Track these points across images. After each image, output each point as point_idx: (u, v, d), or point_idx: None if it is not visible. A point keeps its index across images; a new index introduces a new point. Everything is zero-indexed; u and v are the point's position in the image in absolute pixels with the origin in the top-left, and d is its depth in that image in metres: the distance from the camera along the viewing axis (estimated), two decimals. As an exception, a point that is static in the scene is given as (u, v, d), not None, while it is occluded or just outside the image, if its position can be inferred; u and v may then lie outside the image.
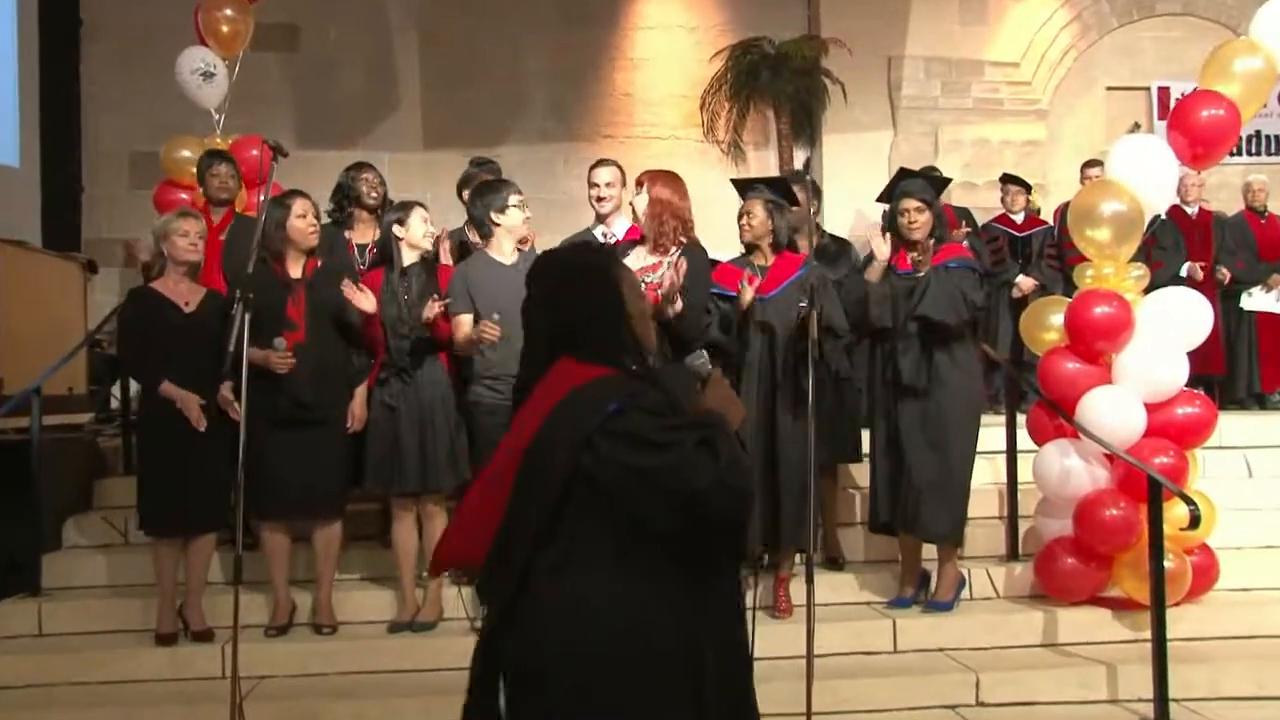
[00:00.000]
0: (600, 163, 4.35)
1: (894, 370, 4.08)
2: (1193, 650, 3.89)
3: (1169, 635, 3.57)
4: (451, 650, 3.64)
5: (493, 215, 3.98)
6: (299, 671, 3.81)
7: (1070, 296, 4.47)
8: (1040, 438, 4.38)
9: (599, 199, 4.27)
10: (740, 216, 4.17)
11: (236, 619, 3.33)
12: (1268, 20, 4.27)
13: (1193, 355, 4.25)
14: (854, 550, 4.57)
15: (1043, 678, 3.78)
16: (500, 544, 1.71)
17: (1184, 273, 6.41)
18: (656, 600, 1.66)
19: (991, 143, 7.97)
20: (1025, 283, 6.48)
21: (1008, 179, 6.84)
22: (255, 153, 5.08)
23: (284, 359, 3.75)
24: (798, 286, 3.91)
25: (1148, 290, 4.39)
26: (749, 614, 3.88)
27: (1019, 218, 6.72)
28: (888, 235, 4.12)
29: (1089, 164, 6.61)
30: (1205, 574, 4.21)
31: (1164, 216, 6.04)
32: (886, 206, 4.29)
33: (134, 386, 4.71)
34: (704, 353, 2.01)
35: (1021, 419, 4.57)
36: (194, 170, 5.20)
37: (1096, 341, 4.19)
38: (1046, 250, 6.56)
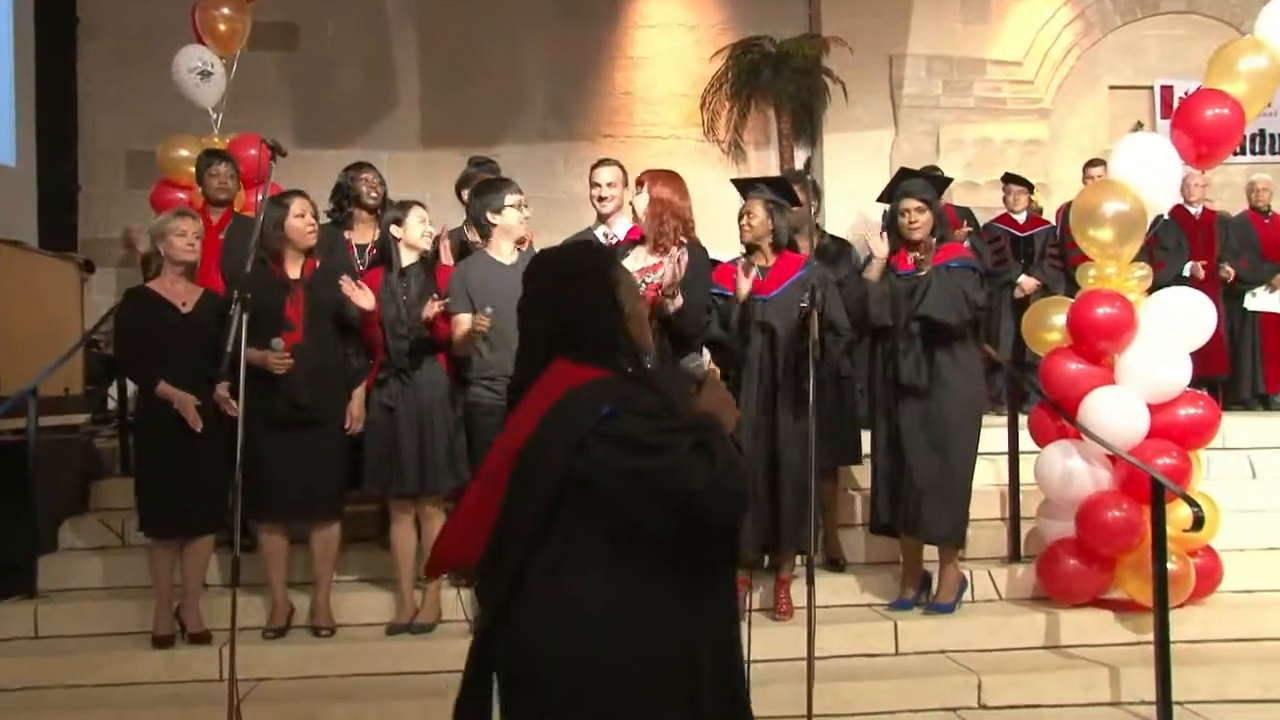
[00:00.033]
0: (602, 162, 4.33)
1: (895, 370, 4.07)
2: (1196, 653, 3.88)
3: (1172, 637, 3.55)
4: (450, 652, 3.60)
5: (489, 215, 3.97)
6: (297, 674, 3.80)
7: (1072, 297, 4.46)
8: (1042, 439, 4.36)
9: (600, 199, 4.25)
10: (740, 216, 4.16)
11: (234, 621, 3.31)
12: (1273, 19, 4.26)
13: (1195, 356, 4.24)
14: (855, 552, 4.55)
15: (1045, 680, 3.77)
16: (494, 545, 1.70)
17: (1186, 272, 6.39)
18: (651, 603, 1.65)
19: (994, 142, 7.95)
20: (1027, 283, 6.47)
21: (1010, 178, 6.82)
22: (253, 152, 5.05)
23: (281, 359, 3.73)
24: (798, 286, 3.90)
25: (1150, 290, 4.37)
26: (744, 617, 3.91)
27: (1021, 217, 6.70)
28: (885, 234, 4.10)
29: (1092, 163, 6.59)
30: (1209, 576, 4.19)
31: (1167, 216, 6.02)
32: (887, 206, 4.28)
33: (131, 387, 4.69)
34: (699, 355, 1.99)
35: (1023, 420, 4.56)
36: (191, 170, 5.18)
37: (1099, 342, 4.18)
38: (1049, 250, 6.55)
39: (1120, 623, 4.04)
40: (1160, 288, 4.49)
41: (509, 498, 1.68)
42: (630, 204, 4.14)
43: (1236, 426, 5.20)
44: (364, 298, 3.84)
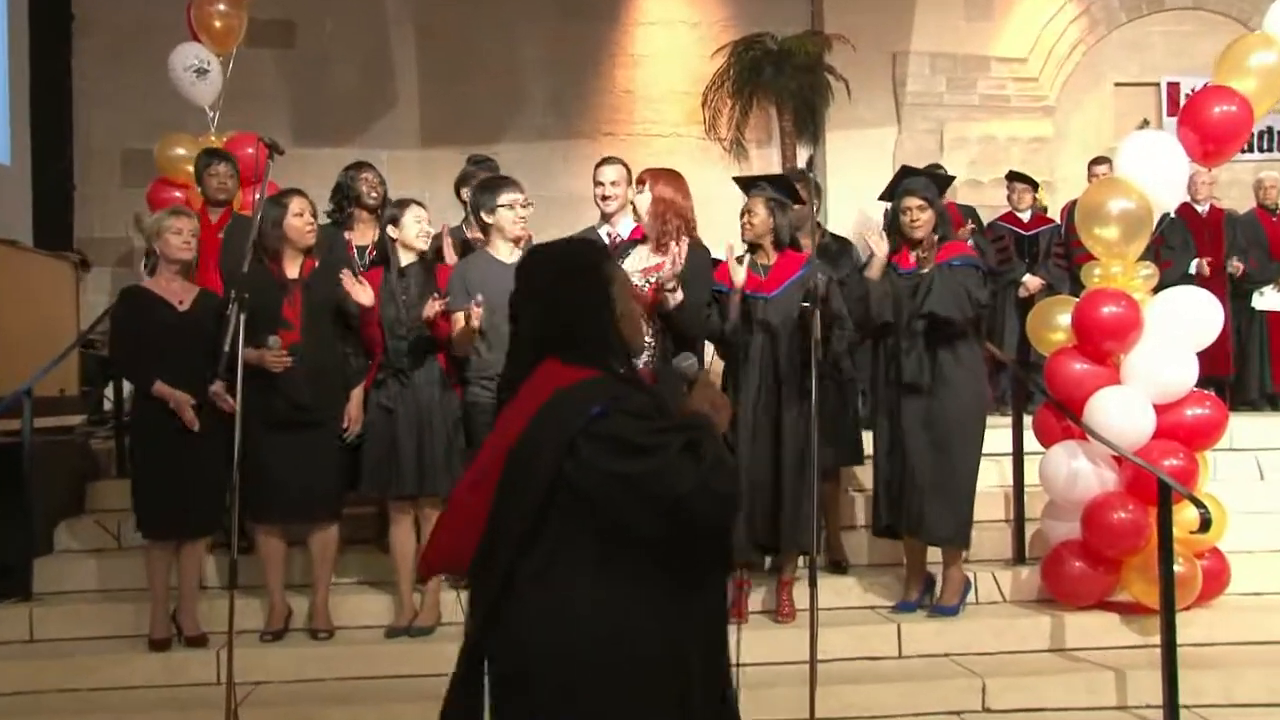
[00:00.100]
0: (606, 160, 4.30)
1: (897, 370, 4.05)
2: (1204, 656, 3.86)
3: (1179, 640, 3.53)
4: (449, 655, 3.48)
5: (483, 215, 3.95)
6: (295, 677, 3.77)
7: (1078, 296, 4.43)
8: (1047, 439, 4.33)
9: (604, 197, 4.22)
10: (742, 215, 4.13)
11: (231, 624, 3.29)
12: (1282, 15, 4.22)
13: (1200, 356, 4.21)
14: (858, 554, 4.53)
15: (1050, 683, 3.75)
16: (485, 546, 1.68)
17: (1192, 270, 6.35)
18: (641, 606, 1.64)
19: (998, 140, 7.91)
20: (1032, 282, 6.44)
21: (1014, 176, 6.79)
22: (250, 151, 5.01)
23: (278, 357, 3.71)
24: (799, 285, 3.88)
25: (1156, 289, 4.35)
26: (745, 618, 3.89)
27: (1025, 216, 6.68)
28: (885, 233, 4.08)
29: (1097, 161, 6.58)
30: (1216, 578, 4.17)
31: (1173, 215, 5.98)
32: (889, 205, 4.25)
33: (127, 387, 4.67)
34: (690, 354, 1.97)
35: (1028, 420, 4.53)
36: (188, 168, 5.16)
37: (1104, 342, 4.15)
38: (1054, 249, 6.52)
39: (1126, 625, 4.02)
40: (1166, 287, 4.46)
41: (499, 498, 1.67)
42: (632, 203, 4.11)
43: (1244, 427, 5.16)
44: (363, 293, 3.82)
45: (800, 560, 4.06)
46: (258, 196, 3.67)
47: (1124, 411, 4.02)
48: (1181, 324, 4.16)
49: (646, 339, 3.79)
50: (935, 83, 7.92)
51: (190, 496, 3.81)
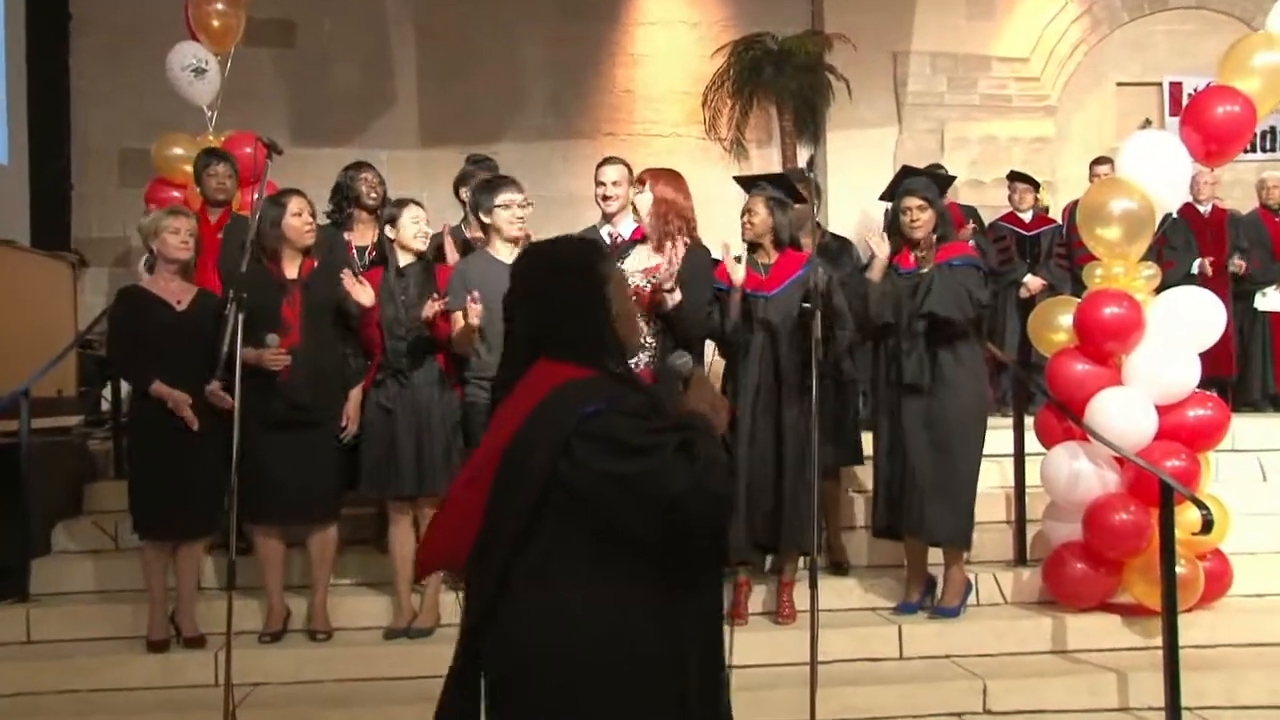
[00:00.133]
0: (608, 160, 4.29)
1: (898, 370, 4.04)
2: (1206, 657, 3.85)
3: (1181, 642, 3.53)
4: (448, 657, 3.49)
5: (480, 215, 3.94)
6: (293, 679, 3.76)
7: (1079, 296, 4.42)
8: (1049, 440, 4.32)
9: (605, 197, 4.21)
10: (743, 214, 4.13)
11: (230, 625, 3.28)
12: (1286, 14, 4.21)
13: (1202, 357, 4.20)
14: (859, 555, 4.52)
15: (1051, 685, 3.74)
16: (480, 544, 1.68)
17: (1195, 269, 6.33)
18: (636, 606, 1.63)
19: (999, 139, 7.89)
20: (1033, 282, 6.43)
21: (1015, 176, 6.78)
22: (249, 150, 4.99)
23: (277, 356, 3.70)
24: (800, 284, 3.87)
25: (1159, 290, 4.33)
26: (745, 619, 3.87)
27: (1027, 216, 6.66)
28: (885, 234, 4.06)
29: (1099, 161, 6.56)
30: (1218, 580, 4.16)
31: (1175, 215, 5.96)
32: (890, 205, 4.24)
33: (125, 388, 4.66)
34: (686, 352, 1.97)
35: (1029, 421, 4.52)
36: (186, 168, 5.15)
37: (1106, 342, 4.14)
38: (1055, 249, 6.51)
39: (1128, 627, 4.01)
40: (1169, 287, 4.45)
41: (494, 498, 1.66)
42: (632, 203, 4.10)
43: (1246, 428, 5.15)
44: (364, 293, 3.81)
45: (801, 561, 4.05)
46: (256, 196, 3.66)
47: (1126, 412, 4.01)
48: (1183, 325, 4.15)
49: (647, 339, 3.78)
50: (936, 82, 7.90)
51: (187, 497, 3.79)
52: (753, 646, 3.84)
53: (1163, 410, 4.07)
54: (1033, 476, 4.40)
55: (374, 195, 4.54)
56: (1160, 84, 8.12)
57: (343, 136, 7.29)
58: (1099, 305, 4.13)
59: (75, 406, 5.30)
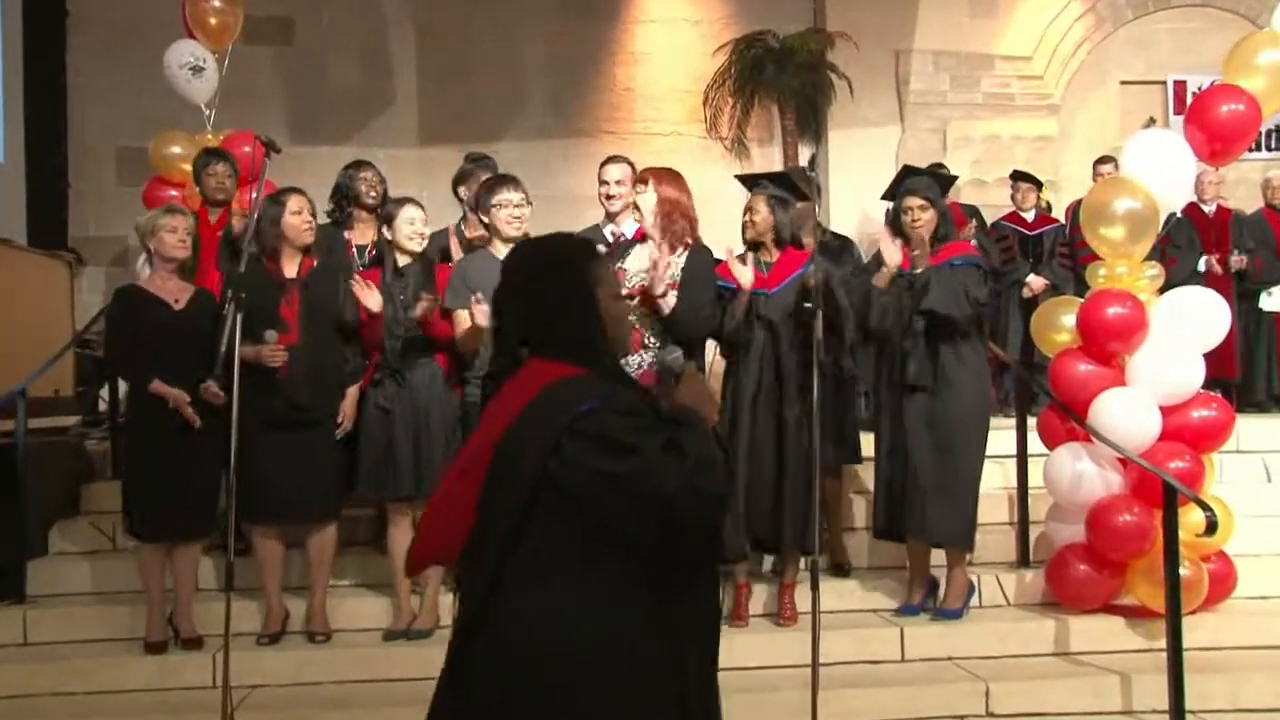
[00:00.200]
0: (611, 159, 4.28)
1: (901, 371, 4.03)
2: (1210, 660, 3.83)
3: (1185, 644, 3.51)
4: (447, 660, 3.56)
5: (481, 216, 3.93)
6: (292, 680, 3.74)
7: (1082, 296, 4.40)
8: (1051, 441, 4.30)
9: (609, 197, 4.19)
10: (744, 213, 4.12)
11: (228, 626, 3.26)
12: (1292, 12, 4.18)
13: (1205, 358, 4.18)
14: (860, 556, 4.50)
15: (1054, 688, 3.72)
16: (472, 543, 1.66)
17: (1201, 266, 6.30)
18: (631, 606, 1.62)
19: (1002, 138, 7.87)
20: (1036, 282, 6.41)
21: (1018, 176, 6.75)
22: (247, 149, 4.98)
23: (275, 352, 3.68)
24: (800, 282, 3.87)
25: (1162, 290, 4.31)
26: (746, 620, 3.84)
27: (1030, 215, 6.64)
28: (898, 241, 4.03)
29: (1102, 160, 6.53)
30: (1222, 581, 4.14)
31: (1180, 214, 5.94)
32: (891, 204, 4.22)
33: (122, 388, 4.65)
34: (677, 348, 1.95)
35: (1032, 422, 4.50)
36: (184, 166, 5.13)
37: (1109, 343, 4.12)
38: (1058, 249, 6.49)
39: (1131, 629, 3.99)
40: (1175, 285, 4.43)
41: (485, 496, 1.65)
42: (634, 203, 4.06)
43: (1251, 429, 5.12)
44: (373, 299, 3.79)
45: (802, 562, 4.03)
46: (254, 195, 3.65)
47: (1129, 413, 3.99)
48: (1187, 325, 4.13)
49: (650, 339, 3.77)
50: (939, 81, 7.88)
51: (183, 498, 3.78)
52: (754, 648, 3.82)
53: (1166, 411, 4.05)
54: (1035, 477, 4.39)
55: (373, 194, 4.52)
56: (1164, 82, 8.09)
57: (341, 135, 7.27)
58: (1102, 305, 4.11)
59: (72, 406, 5.28)
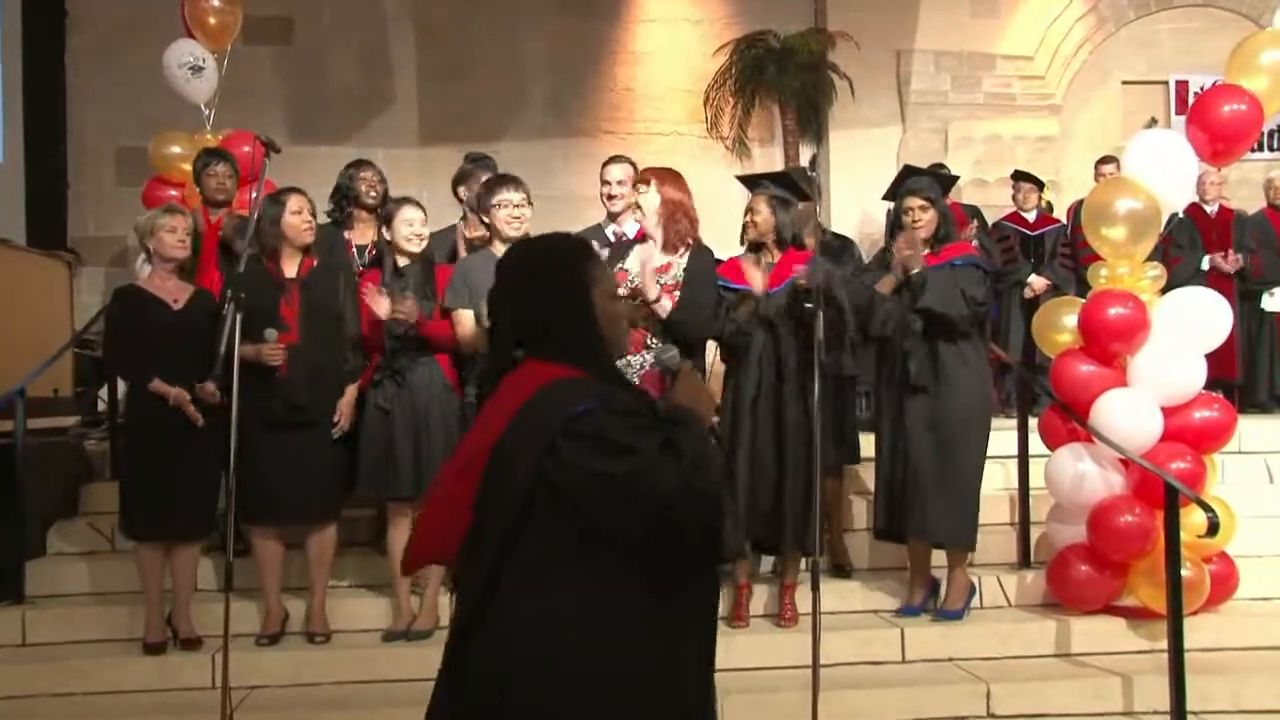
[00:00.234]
0: (613, 159, 4.26)
1: (902, 371, 4.02)
2: (1211, 661, 3.82)
3: (1187, 645, 3.51)
4: (447, 661, 3.55)
5: (483, 217, 3.93)
6: (291, 681, 3.74)
7: (1084, 297, 4.39)
8: (1053, 442, 4.29)
9: (610, 197, 4.18)
10: (745, 214, 4.11)
11: (227, 627, 3.27)
12: (1293, 11, 4.17)
13: (1206, 359, 4.16)
14: (861, 557, 4.49)
15: (1056, 689, 3.72)
16: (469, 543, 1.65)
17: (1205, 265, 6.28)
18: (630, 606, 1.60)
19: (1003, 139, 7.86)
20: (1038, 282, 6.40)
21: (1020, 176, 6.74)
22: (246, 149, 4.98)
23: (275, 350, 3.68)
24: (792, 285, 3.85)
25: (1164, 290, 4.30)
26: (735, 623, 3.82)
27: (1031, 216, 6.63)
28: (905, 244, 4.01)
29: (1104, 160, 6.53)
30: (1224, 583, 4.13)
31: (1181, 215, 5.93)
32: (892, 205, 4.22)
33: (122, 388, 4.64)
34: (673, 347, 1.95)
35: (1033, 423, 4.49)
36: (183, 166, 5.12)
37: (1111, 343, 4.11)
38: (1060, 249, 6.48)
39: (1133, 630, 3.99)
40: (1179, 284, 4.42)
41: (482, 496, 1.63)
42: (637, 204, 4.05)
43: (1253, 430, 5.11)
44: (381, 306, 3.78)
45: (802, 563, 4.02)
46: (254, 195, 3.64)
47: (1131, 414, 3.98)
48: (1189, 325, 4.13)
49: (652, 340, 3.76)
50: (940, 81, 7.86)
51: (182, 498, 3.77)
52: (754, 649, 3.82)
53: (1168, 412, 4.04)
54: (1037, 478, 4.38)
55: (373, 194, 4.51)
56: (1166, 82, 8.07)
57: (341, 135, 7.26)
58: (1104, 306, 4.10)
59: (71, 407, 5.27)
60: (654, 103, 7.98)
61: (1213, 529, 3.61)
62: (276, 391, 3.72)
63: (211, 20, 5.52)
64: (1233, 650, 3.97)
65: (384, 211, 4.05)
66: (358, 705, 3.59)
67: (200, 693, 3.62)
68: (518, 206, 3.87)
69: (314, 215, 3.97)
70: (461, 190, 4.65)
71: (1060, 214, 6.86)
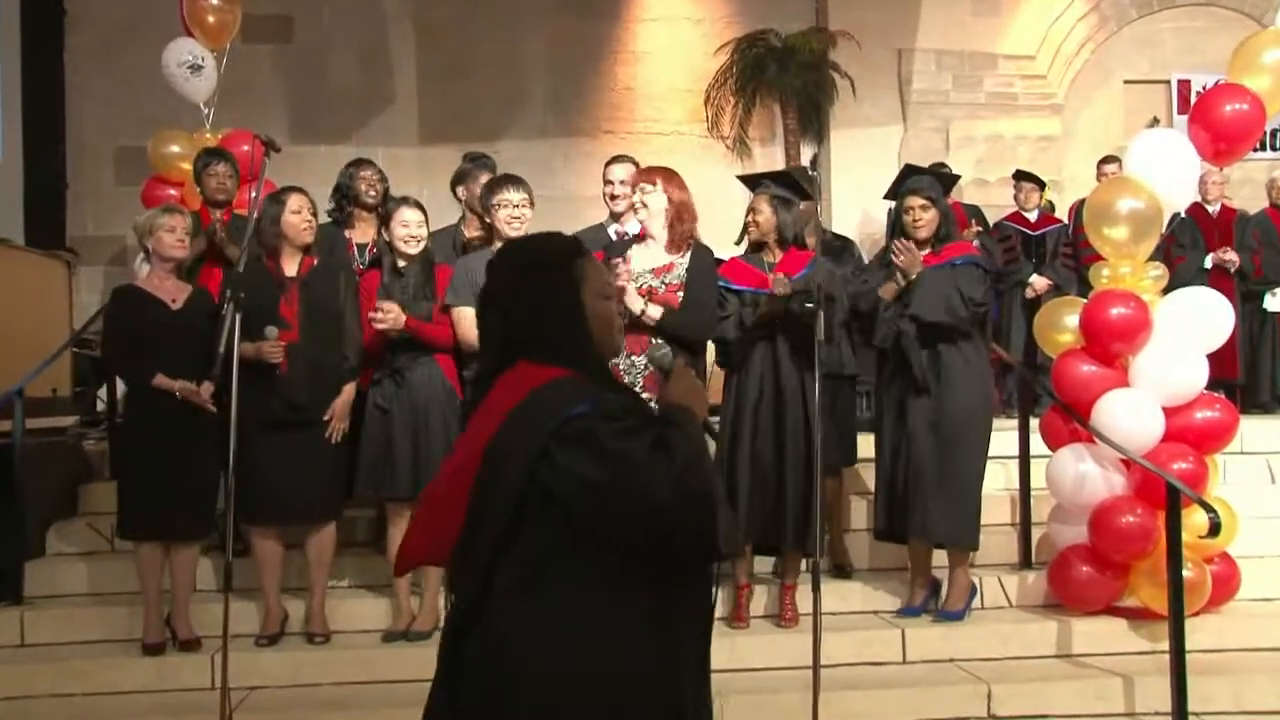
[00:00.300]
0: (616, 159, 4.25)
1: (903, 371, 4.00)
2: (1213, 662, 3.82)
3: (1188, 646, 3.50)
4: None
5: (486, 216, 3.93)
6: (290, 682, 3.73)
7: (1085, 297, 4.39)
8: (1054, 442, 4.29)
9: (613, 196, 4.17)
10: (747, 214, 4.11)
11: (226, 628, 3.26)
12: (1296, 10, 4.16)
13: (1208, 359, 4.15)
14: (861, 557, 4.49)
15: (1057, 690, 3.71)
16: (463, 545, 1.65)
17: (1208, 263, 6.27)
18: (627, 606, 1.60)
19: (1005, 138, 7.85)
20: (1039, 282, 6.39)
21: (1021, 175, 6.74)
22: (246, 148, 4.97)
23: (275, 348, 3.67)
24: (803, 282, 3.85)
25: (1166, 291, 4.29)
26: (747, 621, 3.81)
27: (1033, 215, 6.62)
28: (908, 247, 4.00)
29: (1106, 160, 6.52)
30: (1225, 583, 4.12)
31: (1183, 214, 5.92)
32: (893, 204, 4.21)
33: (121, 388, 4.64)
34: (665, 344, 1.94)
35: (1035, 423, 4.49)
36: (183, 165, 5.11)
37: (1113, 343, 4.10)
38: (1061, 249, 6.47)
39: (1134, 631, 3.98)
40: (1181, 283, 4.41)
41: (475, 498, 1.63)
42: (643, 202, 4.00)
43: (1255, 430, 5.11)
44: (386, 322, 3.77)
45: (803, 564, 4.02)
46: (254, 195, 3.64)
47: (1132, 414, 3.98)
48: (1191, 326, 4.12)
49: (654, 340, 3.74)
50: (941, 80, 7.85)
51: (181, 498, 3.76)
52: (754, 650, 3.81)
53: (1170, 412, 4.03)
54: (1038, 479, 4.37)
55: (373, 193, 4.51)
56: (1168, 82, 8.06)
57: (341, 134, 7.25)
58: (1105, 306, 4.09)
59: (70, 407, 5.27)
60: (654, 102, 7.97)
61: (1214, 530, 3.61)
62: (276, 391, 3.72)
63: (210, 19, 5.51)
64: (1234, 651, 3.96)
65: (384, 211, 4.05)
66: (357, 706, 3.58)
67: (199, 693, 3.61)
68: (518, 206, 3.86)
69: (314, 214, 3.97)
70: (460, 190, 4.65)
71: (1062, 214, 6.85)
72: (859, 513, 4.60)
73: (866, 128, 7.82)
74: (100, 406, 5.60)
